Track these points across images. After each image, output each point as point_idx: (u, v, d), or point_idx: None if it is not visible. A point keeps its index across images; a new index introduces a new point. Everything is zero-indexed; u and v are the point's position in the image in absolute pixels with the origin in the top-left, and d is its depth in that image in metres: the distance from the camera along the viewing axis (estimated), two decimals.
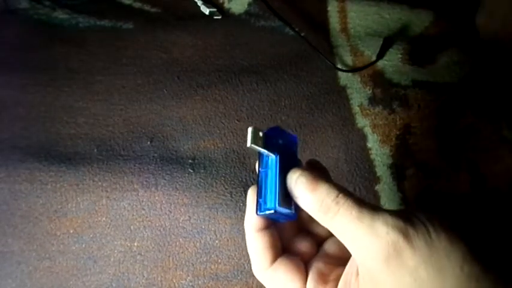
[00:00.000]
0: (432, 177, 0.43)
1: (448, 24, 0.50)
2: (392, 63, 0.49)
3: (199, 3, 0.53)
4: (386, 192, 0.42)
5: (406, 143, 0.45)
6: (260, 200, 0.25)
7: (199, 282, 0.39)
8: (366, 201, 0.23)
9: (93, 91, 0.47)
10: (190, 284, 0.39)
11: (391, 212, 0.22)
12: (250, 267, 0.40)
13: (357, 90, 0.48)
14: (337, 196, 0.23)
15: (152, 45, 0.50)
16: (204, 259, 0.40)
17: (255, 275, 0.26)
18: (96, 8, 0.53)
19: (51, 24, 0.51)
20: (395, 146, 0.45)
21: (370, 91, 0.47)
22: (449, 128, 0.45)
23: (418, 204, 0.42)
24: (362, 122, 0.46)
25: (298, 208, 0.25)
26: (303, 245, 0.27)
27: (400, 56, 0.49)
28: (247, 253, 0.40)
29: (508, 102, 0.45)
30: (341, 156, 0.44)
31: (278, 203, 0.24)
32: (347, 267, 0.23)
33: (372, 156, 0.44)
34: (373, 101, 0.47)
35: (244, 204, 0.41)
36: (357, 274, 0.22)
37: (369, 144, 0.45)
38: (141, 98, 0.47)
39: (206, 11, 0.53)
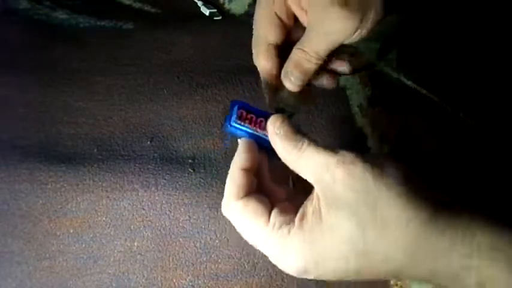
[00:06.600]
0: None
1: (446, 25, 0.50)
2: (391, 64, 0.49)
3: (200, 3, 0.54)
4: None
5: (405, 143, 0.45)
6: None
7: (199, 282, 0.39)
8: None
9: (93, 91, 0.47)
10: (190, 284, 0.39)
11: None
12: (251, 266, 0.40)
13: (356, 91, 0.48)
14: (302, 143, 0.28)
15: (152, 46, 0.50)
16: (204, 259, 0.40)
17: (224, 204, 0.29)
18: (96, 8, 0.53)
19: (51, 24, 0.51)
20: (395, 146, 0.45)
21: (370, 92, 0.48)
22: (449, 127, 0.45)
23: None
24: (361, 122, 0.46)
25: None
26: (275, 190, 0.31)
27: (399, 56, 0.49)
28: (247, 252, 0.40)
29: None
30: None
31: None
32: (305, 202, 0.28)
33: None
34: (372, 101, 0.47)
35: None
36: (311, 202, 0.27)
37: (369, 144, 0.45)
38: (141, 98, 0.47)
39: (206, 11, 0.53)
